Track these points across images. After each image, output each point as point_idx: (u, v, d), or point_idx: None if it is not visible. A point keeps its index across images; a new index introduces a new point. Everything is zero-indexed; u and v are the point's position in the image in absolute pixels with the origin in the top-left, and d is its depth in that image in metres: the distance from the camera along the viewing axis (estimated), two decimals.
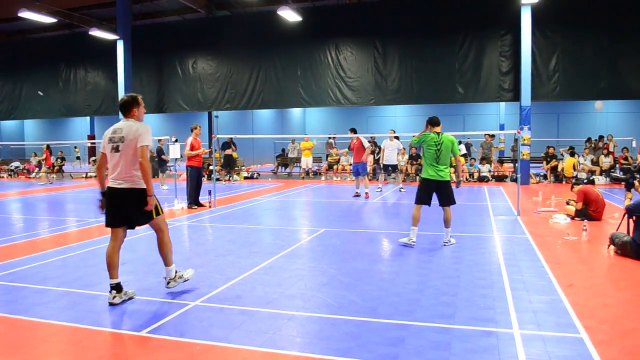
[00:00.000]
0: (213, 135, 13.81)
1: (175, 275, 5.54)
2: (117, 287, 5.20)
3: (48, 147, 23.50)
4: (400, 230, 9.19)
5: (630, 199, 9.39)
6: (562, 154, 19.29)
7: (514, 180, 17.77)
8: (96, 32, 20.56)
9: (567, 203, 10.52)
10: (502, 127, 32.01)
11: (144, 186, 5.11)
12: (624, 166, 17.62)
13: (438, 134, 7.61)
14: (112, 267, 5.21)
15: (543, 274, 6.11)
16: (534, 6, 17.41)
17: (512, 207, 11.75)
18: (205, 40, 22.36)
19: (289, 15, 18.56)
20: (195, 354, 3.95)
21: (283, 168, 24.16)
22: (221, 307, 5.02)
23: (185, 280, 5.66)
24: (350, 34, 20.47)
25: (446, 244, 7.78)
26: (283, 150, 24.41)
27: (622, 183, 13.85)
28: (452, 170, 8.15)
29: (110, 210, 5.21)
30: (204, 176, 12.04)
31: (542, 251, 7.30)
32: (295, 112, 39.19)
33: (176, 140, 13.58)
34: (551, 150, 18.85)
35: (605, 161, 18.10)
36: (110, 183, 5.17)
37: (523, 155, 17.38)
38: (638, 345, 4.02)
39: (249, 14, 22.54)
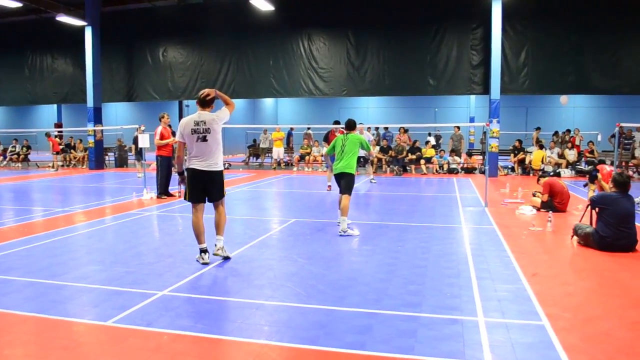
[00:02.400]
0: None
1: (223, 247, 6.36)
2: (205, 250, 6.21)
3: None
4: (370, 221, 9.26)
5: (594, 190, 9.63)
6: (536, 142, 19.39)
7: (483, 172, 18.05)
8: (63, 18, 20.07)
9: (534, 195, 10.73)
10: (472, 120, 32.41)
11: (223, 168, 6.26)
12: (588, 159, 18.02)
13: (346, 134, 8.34)
14: (199, 234, 6.22)
15: (508, 263, 6.23)
16: (504, 1, 17.62)
17: (480, 198, 11.92)
18: (176, 28, 22.03)
19: (262, 4, 18.41)
20: (163, 343, 3.93)
21: (255, 158, 24.06)
22: (189, 297, 4.99)
23: (226, 257, 6.38)
24: (323, 24, 20.42)
25: (342, 233, 7.91)
26: (254, 140, 24.28)
27: (586, 176, 14.18)
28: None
29: (196, 188, 6.20)
30: (173, 166, 11.89)
31: (508, 241, 7.44)
32: (268, 102, 38.98)
33: (144, 130, 13.39)
34: (518, 143, 19.17)
35: (571, 154, 18.48)
36: (195, 165, 6.11)
37: (492, 147, 17.63)
38: (598, 332, 4.14)
39: (221, 2, 22.26)
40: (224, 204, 6.43)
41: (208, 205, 6.49)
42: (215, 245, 6.33)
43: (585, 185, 11.06)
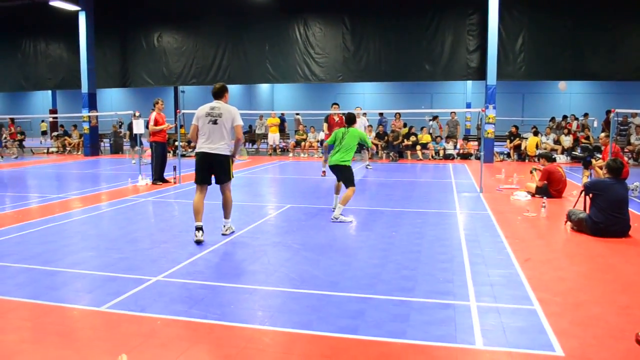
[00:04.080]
0: (178, 110, 13.59)
1: (230, 227, 6.99)
2: (201, 228, 6.52)
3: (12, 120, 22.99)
4: (365, 207, 9.28)
5: (588, 176, 9.66)
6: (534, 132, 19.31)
7: (479, 158, 18.06)
8: (57, 3, 19.84)
9: (531, 172, 10.66)
10: (468, 106, 32.34)
11: (229, 153, 6.58)
12: (583, 145, 18.02)
13: (347, 128, 8.36)
14: (198, 213, 6.56)
15: (502, 249, 6.26)
16: None
17: (476, 184, 11.94)
18: (171, 13, 21.82)
19: None
20: (156, 328, 3.95)
21: (250, 144, 24.01)
22: (183, 282, 5.01)
23: (232, 232, 7.00)
24: (319, 10, 20.26)
25: (335, 219, 7.95)
26: (250, 126, 24.19)
27: (580, 162, 14.19)
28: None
29: (202, 169, 6.59)
30: (169, 152, 11.88)
31: (502, 227, 7.47)
32: (264, 88, 38.86)
33: (139, 116, 13.32)
34: (514, 129, 19.17)
35: (566, 140, 18.50)
36: (203, 149, 6.49)
37: (487, 133, 17.63)
38: (588, 316, 4.18)
39: None
40: (230, 189, 6.79)
41: (212, 191, 6.72)
42: (223, 226, 6.94)
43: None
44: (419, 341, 3.67)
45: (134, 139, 17.86)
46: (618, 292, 4.77)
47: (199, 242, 6.44)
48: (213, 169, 6.59)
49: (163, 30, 22.07)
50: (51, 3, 19.90)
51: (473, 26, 18.65)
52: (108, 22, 22.05)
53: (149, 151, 12.74)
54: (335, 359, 3.47)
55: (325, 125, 14.29)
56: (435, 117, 21.53)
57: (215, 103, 6.60)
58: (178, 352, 3.54)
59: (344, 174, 8.12)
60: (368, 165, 15.95)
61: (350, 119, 8.51)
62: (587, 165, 10.27)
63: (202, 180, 6.65)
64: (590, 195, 7.16)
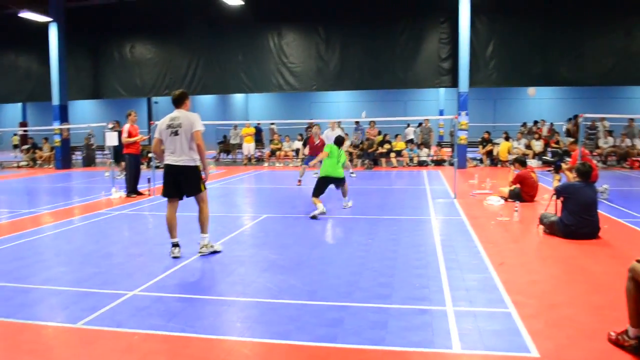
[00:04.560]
0: (152, 122, 13.49)
1: (208, 244, 6.52)
2: (177, 245, 6.41)
3: None
4: (341, 215, 9.31)
5: (559, 180, 9.86)
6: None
7: (452, 164, 18.27)
8: (27, 14, 19.57)
9: (513, 163, 10.84)
10: (441, 113, 32.71)
11: (197, 164, 6.32)
12: (553, 149, 18.38)
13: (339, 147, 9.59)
14: (172, 229, 6.42)
15: (476, 253, 6.35)
16: None
17: (450, 190, 12.08)
18: (144, 23, 21.67)
19: None
20: (134, 343, 3.91)
21: (225, 154, 23.89)
22: (159, 296, 4.97)
23: (215, 252, 6.53)
24: (293, 19, 20.35)
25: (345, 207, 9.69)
26: (225, 136, 24.08)
27: (551, 166, 14.46)
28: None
29: (168, 183, 6.38)
30: (142, 164, 11.76)
31: (476, 232, 7.57)
32: (238, 97, 38.71)
33: (112, 127, 13.18)
34: (486, 135, 19.46)
35: (537, 145, 18.84)
36: (168, 161, 6.32)
37: (460, 140, 17.87)
38: (562, 317, 4.26)
39: None
40: (206, 201, 6.52)
41: (188, 203, 6.56)
42: (199, 243, 6.51)
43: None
44: (398, 347, 3.71)
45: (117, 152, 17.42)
46: (590, 293, 4.87)
47: (176, 257, 6.31)
48: (180, 182, 6.36)
49: (136, 41, 21.91)
50: (21, 14, 19.61)
51: (445, 34, 18.93)
52: (79, 33, 21.82)
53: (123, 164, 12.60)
54: None
55: (307, 147, 14.84)
56: (408, 125, 21.77)
57: (176, 113, 6.38)
58: None
59: (341, 183, 9.60)
60: (352, 173, 15.99)
61: (340, 142, 9.74)
62: (558, 169, 10.47)
63: (169, 194, 6.44)
64: (561, 198, 7.32)
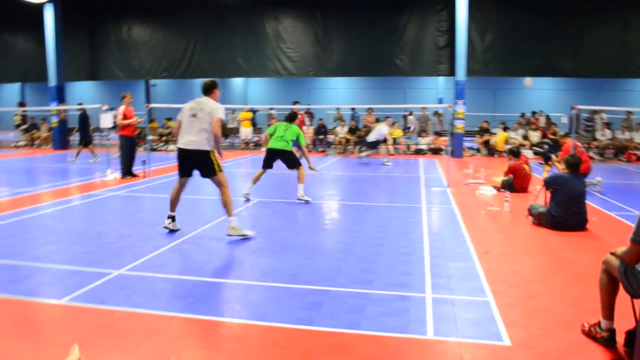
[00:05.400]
0: (147, 104, 13.48)
1: (236, 227, 6.41)
2: (173, 218, 6.69)
3: None
4: (333, 201, 9.36)
5: (548, 171, 9.89)
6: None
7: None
8: None
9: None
10: (440, 101, 32.57)
11: (210, 148, 6.36)
12: (542, 141, 18.34)
13: (290, 124, 9.36)
14: (173, 204, 6.70)
15: (462, 242, 6.40)
16: None
17: (444, 179, 12.11)
18: (141, 5, 21.52)
19: None
20: (114, 320, 3.97)
21: (223, 139, 23.90)
22: (144, 276, 5.03)
23: (244, 237, 6.41)
24: (291, 4, 20.23)
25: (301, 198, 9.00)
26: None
27: (542, 157, 14.50)
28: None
29: (180, 164, 6.57)
30: (139, 146, 11.78)
31: (465, 221, 7.62)
32: (237, 82, 38.58)
33: (111, 109, 13.17)
34: (485, 124, 19.46)
35: (534, 135, 18.84)
36: (180, 144, 6.41)
37: (457, 129, 17.87)
38: (538, 307, 4.32)
39: None
40: (226, 184, 6.47)
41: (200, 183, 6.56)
42: (228, 225, 6.48)
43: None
44: (372, 332, 3.76)
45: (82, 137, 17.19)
46: (569, 284, 4.93)
47: (169, 231, 6.57)
48: (192, 163, 6.49)
49: (132, 23, 21.78)
50: None
51: (442, 22, 18.82)
52: (76, 14, 21.66)
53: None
54: (289, 349, 3.54)
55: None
56: (411, 113, 21.74)
57: (202, 99, 6.52)
58: (134, 343, 3.57)
59: (288, 157, 9.15)
60: (387, 161, 15.66)
61: (292, 117, 9.48)
62: (548, 160, 10.50)
63: (181, 173, 6.65)
64: (550, 189, 7.36)
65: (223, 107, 6.50)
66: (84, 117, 17.39)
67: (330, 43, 19.86)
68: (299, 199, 8.97)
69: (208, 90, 6.56)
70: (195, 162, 6.45)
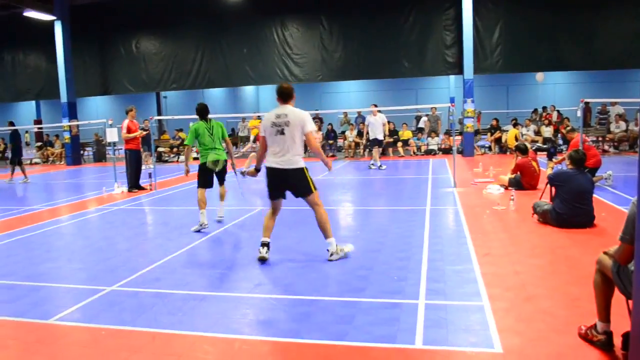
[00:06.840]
0: (151, 117, 13.53)
1: (337, 248, 5.85)
2: (267, 245, 5.85)
3: None
4: (335, 206, 9.25)
5: (552, 168, 9.68)
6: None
7: (460, 152, 18.09)
8: (32, 13, 19.71)
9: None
10: (452, 100, 32.31)
11: (303, 165, 5.73)
12: (545, 137, 18.03)
13: (208, 121, 7.78)
14: (267, 229, 5.92)
15: (463, 244, 6.25)
16: None
17: (452, 179, 11.93)
18: (148, 19, 21.71)
19: None
20: (99, 338, 3.92)
21: (235, 147, 23.95)
22: (136, 291, 4.98)
23: (345, 255, 5.88)
24: (296, 10, 20.23)
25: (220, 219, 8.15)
26: (233, 129, 24.13)
27: (545, 153, 14.23)
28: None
29: (271, 186, 5.88)
30: (144, 159, 11.83)
31: (468, 222, 7.46)
32: (248, 90, 38.78)
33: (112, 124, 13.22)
34: (495, 122, 19.22)
35: (547, 131, 18.55)
36: (271, 163, 5.74)
37: (467, 128, 17.65)
38: (536, 310, 4.16)
39: None
40: (320, 203, 5.84)
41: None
42: (327, 250, 5.86)
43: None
44: (359, 343, 3.65)
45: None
46: (571, 284, 4.76)
47: (262, 260, 5.78)
48: (286, 185, 5.82)
49: (140, 36, 21.97)
50: (25, 14, 19.76)
51: (449, 21, 18.64)
52: (85, 30, 21.93)
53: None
54: None
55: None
56: (425, 115, 21.63)
57: (281, 109, 5.72)
58: None
59: (222, 172, 7.95)
60: (381, 165, 15.24)
61: (203, 112, 7.84)
62: (551, 156, 10.28)
63: (273, 196, 5.94)
64: (554, 186, 7.18)
65: (308, 114, 5.86)
66: (14, 135, 16.34)
67: (336, 47, 19.78)
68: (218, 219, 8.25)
69: (290, 96, 5.81)
70: (289, 182, 5.79)
